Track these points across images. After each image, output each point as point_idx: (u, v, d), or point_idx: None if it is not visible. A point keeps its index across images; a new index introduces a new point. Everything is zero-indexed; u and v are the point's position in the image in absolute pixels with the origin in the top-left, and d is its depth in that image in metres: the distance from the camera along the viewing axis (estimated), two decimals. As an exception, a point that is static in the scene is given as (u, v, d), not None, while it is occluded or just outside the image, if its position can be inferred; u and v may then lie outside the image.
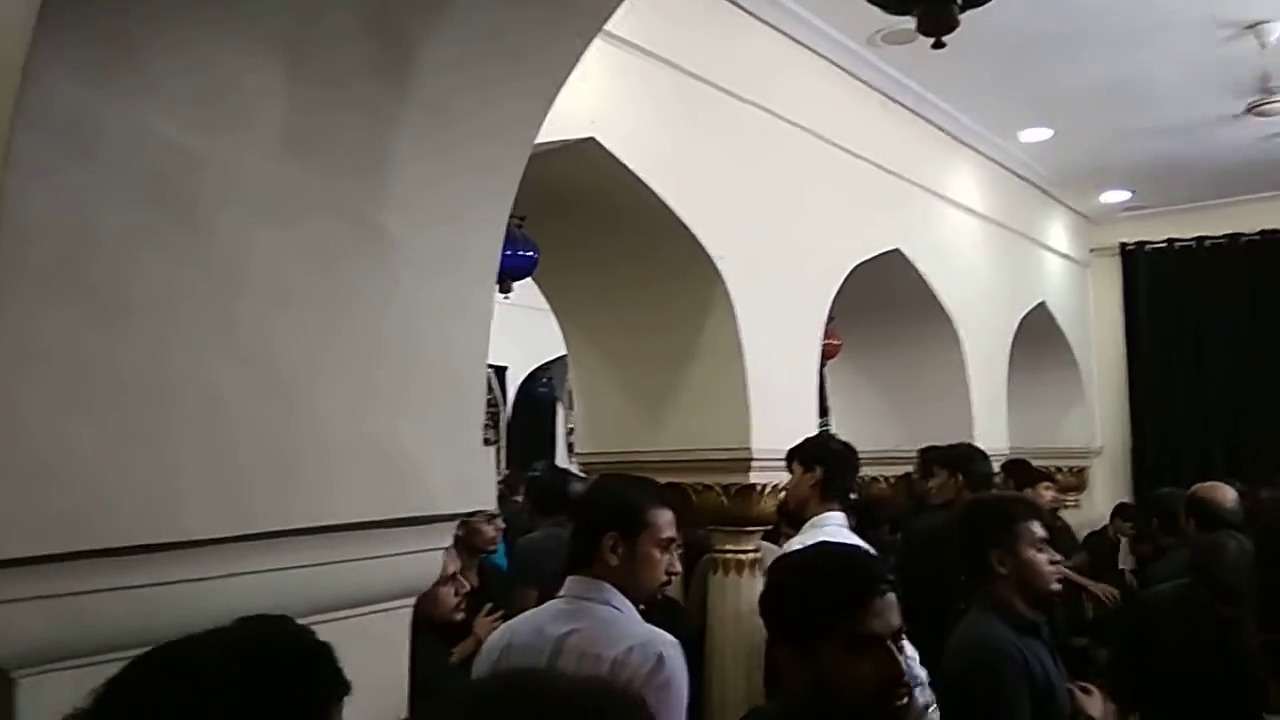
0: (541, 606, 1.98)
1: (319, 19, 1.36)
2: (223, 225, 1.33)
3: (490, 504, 1.73)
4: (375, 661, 1.60)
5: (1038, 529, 2.27)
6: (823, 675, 1.38)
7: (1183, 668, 2.76)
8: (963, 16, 2.42)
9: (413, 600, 1.67)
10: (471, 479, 1.67)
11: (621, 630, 1.80)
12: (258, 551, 1.39)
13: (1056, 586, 2.27)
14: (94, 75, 1.16)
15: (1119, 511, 6.17)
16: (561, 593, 1.93)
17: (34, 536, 1.16)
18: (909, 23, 2.94)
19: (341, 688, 1.08)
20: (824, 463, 3.01)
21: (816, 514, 2.95)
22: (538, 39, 1.62)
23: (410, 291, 1.60)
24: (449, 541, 1.68)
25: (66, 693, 1.02)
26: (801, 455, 3.13)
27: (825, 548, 1.71)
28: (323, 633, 1.49)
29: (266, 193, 1.37)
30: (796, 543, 2.78)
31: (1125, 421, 7.51)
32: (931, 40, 1.65)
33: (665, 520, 1.94)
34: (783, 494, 3.75)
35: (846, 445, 3.24)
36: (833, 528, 2.85)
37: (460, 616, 2.41)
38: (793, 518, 3.23)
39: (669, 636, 1.80)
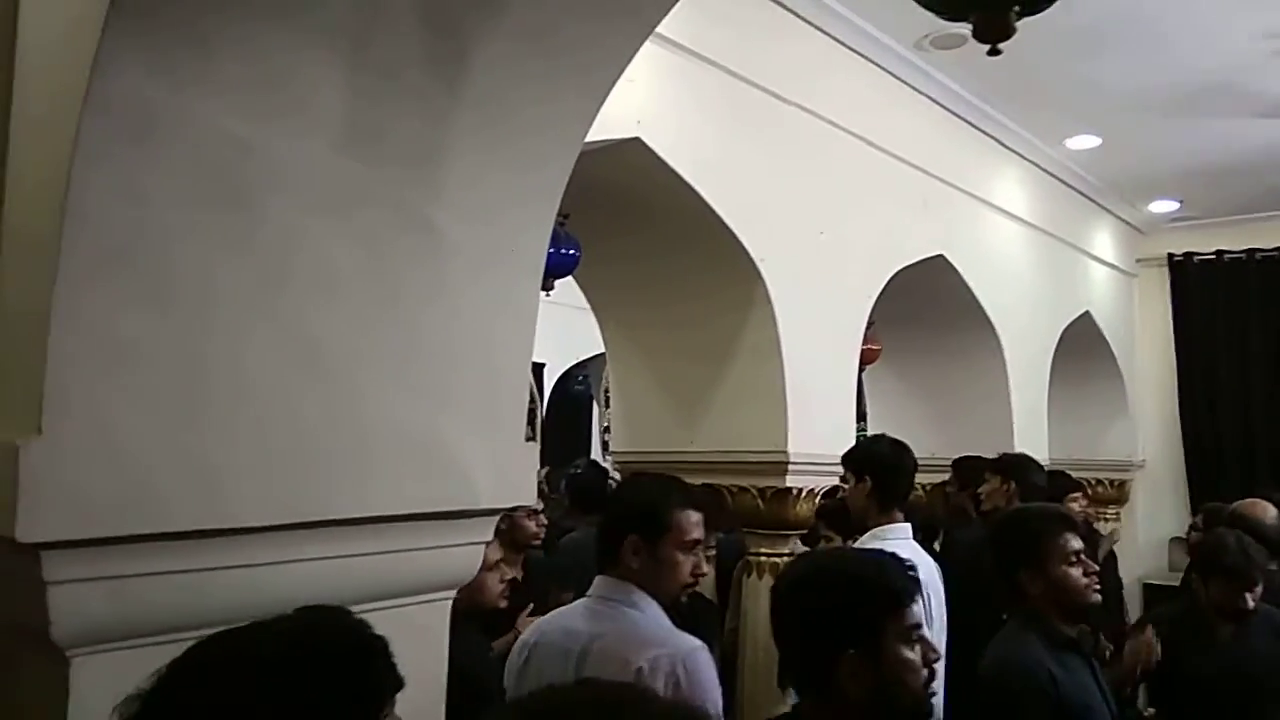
0: (570, 605, 1.97)
1: (378, 10, 1.37)
2: (274, 213, 1.34)
3: (531, 499, 1.74)
4: (415, 652, 1.60)
5: (1070, 542, 2.21)
6: (889, 669, 1.42)
7: (1193, 673, 2.72)
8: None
9: (453, 593, 1.68)
10: (513, 474, 1.68)
11: (647, 636, 1.78)
12: (301, 540, 1.41)
13: (1095, 599, 2.21)
14: (159, 64, 1.18)
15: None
16: (590, 592, 1.92)
17: (86, 519, 1.18)
18: (957, 27, 2.91)
19: (396, 681, 1.09)
20: (872, 471, 2.88)
21: (877, 525, 2.82)
22: (591, 37, 1.62)
23: (457, 286, 1.60)
24: (490, 535, 1.68)
25: (118, 674, 1.04)
26: (851, 463, 3.00)
27: (838, 551, 1.74)
28: (371, 622, 1.52)
29: (319, 182, 1.38)
30: None
31: (1169, 435, 7.37)
32: (986, 47, 1.63)
33: (690, 522, 1.89)
34: (820, 501, 3.73)
35: (895, 448, 3.01)
36: (895, 541, 2.65)
37: (505, 603, 2.44)
38: (854, 526, 3.04)
39: (695, 641, 1.78)
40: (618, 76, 1.71)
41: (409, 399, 1.54)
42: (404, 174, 1.50)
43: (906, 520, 2.86)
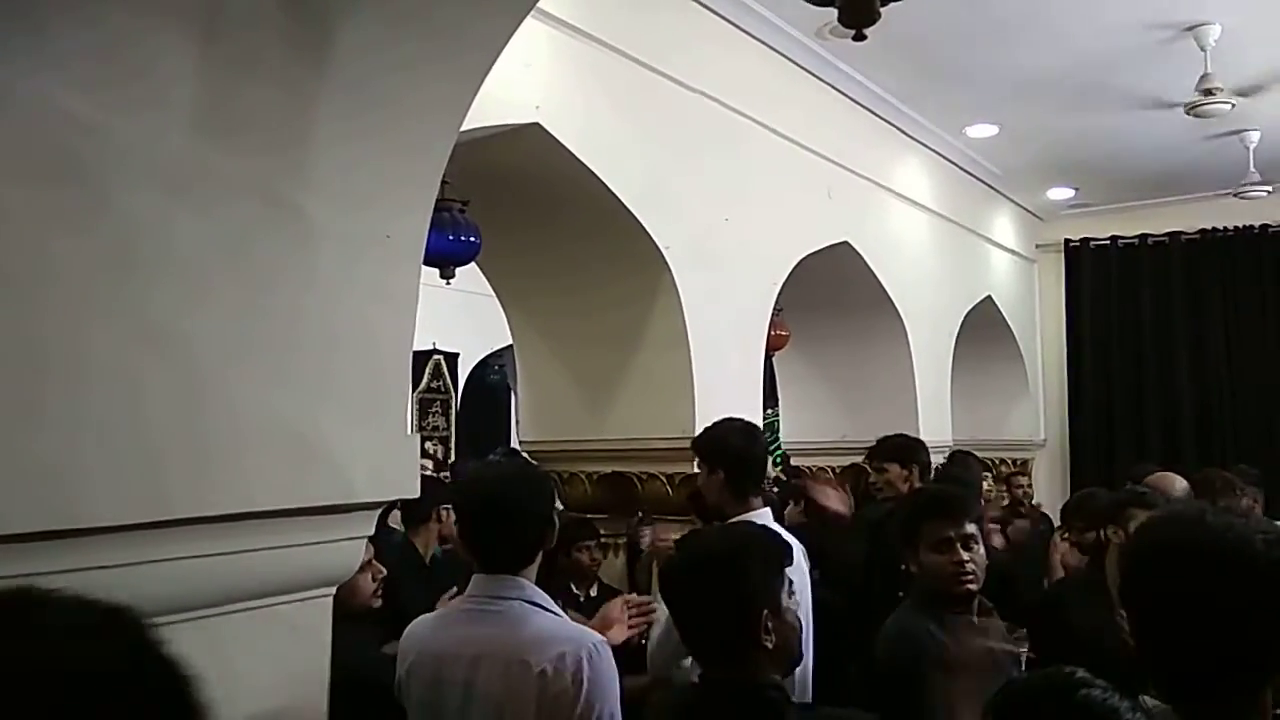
0: (447, 609, 1.84)
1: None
2: (117, 193, 1.27)
3: (413, 492, 1.69)
4: (294, 651, 1.57)
5: (938, 530, 2.20)
6: (789, 621, 1.62)
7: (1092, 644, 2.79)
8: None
9: (333, 590, 1.64)
10: (393, 467, 1.64)
11: (544, 633, 1.72)
12: (171, 539, 1.35)
13: (963, 589, 2.18)
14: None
15: None
16: (470, 592, 1.81)
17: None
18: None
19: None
20: (724, 465, 2.66)
21: (735, 514, 2.59)
22: (465, 17, 1.59)
23: (332, 275, 1.56)
24: (370, 530, 1.64)
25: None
26: (701, 454, 2.77)
27: (725, 528, 1.92)
28: (239, 622, 1.47)
29: (170, 161, 1.31)
30: None
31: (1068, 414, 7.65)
32: (855, 34, 1.64)
33: None
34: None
35: (745, 437, 2.76)
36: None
37: (378, 603, 2.36)
38: (713, 515, 2.77)
39: (594, 634, 1.75)
40: (495, 58, 1.67)
41: (283, 391, 1.49)
42: (270, 162, 1.44)
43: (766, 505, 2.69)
